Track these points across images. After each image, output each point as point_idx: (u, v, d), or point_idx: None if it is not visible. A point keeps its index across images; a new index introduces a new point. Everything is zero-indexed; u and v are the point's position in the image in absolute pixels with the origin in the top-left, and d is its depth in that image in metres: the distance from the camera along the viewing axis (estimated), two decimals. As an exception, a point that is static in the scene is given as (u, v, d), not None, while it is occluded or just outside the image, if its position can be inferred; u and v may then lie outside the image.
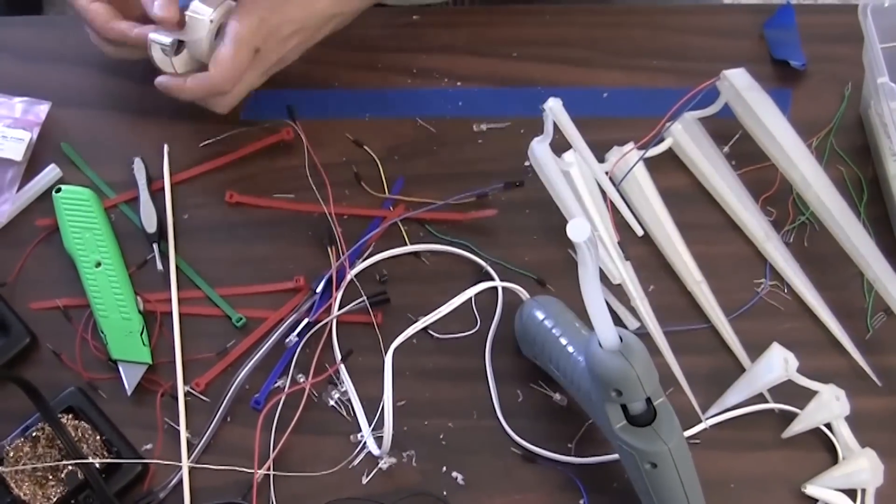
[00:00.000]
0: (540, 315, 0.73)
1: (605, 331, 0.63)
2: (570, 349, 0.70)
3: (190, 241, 0.82)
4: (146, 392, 0.77)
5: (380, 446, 0.72)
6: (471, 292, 0.75)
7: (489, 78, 0.90)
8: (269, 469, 0.73)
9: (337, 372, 0.77)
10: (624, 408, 0.65)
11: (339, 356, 0.76)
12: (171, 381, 0.77)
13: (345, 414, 0.76)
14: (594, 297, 0.62)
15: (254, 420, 0.75)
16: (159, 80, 0.79)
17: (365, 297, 0.79)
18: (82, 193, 0.82)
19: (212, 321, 0.79)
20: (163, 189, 0.84)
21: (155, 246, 0.81)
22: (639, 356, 0.63)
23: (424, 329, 0.77)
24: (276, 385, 0.77)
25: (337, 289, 0.78)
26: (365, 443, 0.74)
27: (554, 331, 0.72)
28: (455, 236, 0.82)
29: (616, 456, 0.72)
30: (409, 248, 0.81)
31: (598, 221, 0.80)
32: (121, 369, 0.77)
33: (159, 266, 0.81)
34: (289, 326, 0.78)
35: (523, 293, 0.78)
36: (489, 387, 0.77)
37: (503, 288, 0.79)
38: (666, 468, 0.65)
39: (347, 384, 0.76)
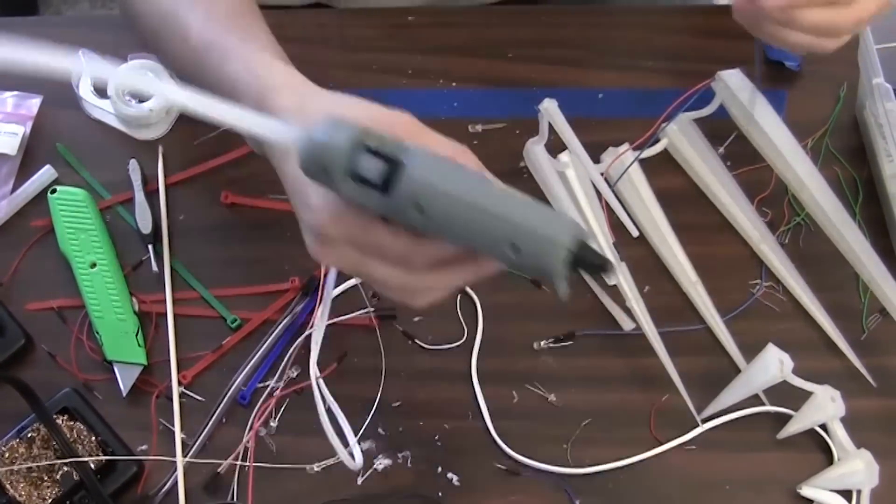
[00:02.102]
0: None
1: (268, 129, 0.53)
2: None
3: (185, 241, 0.82)
4: (141, 393, 0.77)
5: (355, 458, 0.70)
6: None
7: (484, 79, 0.90)
8: (243, 460, 0.73)
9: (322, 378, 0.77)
10: (367, 182, 0.53)
11: (314, 369, 0.72)
12: (166, 382, 0.77)
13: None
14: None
15: (250, 421, 0.75)
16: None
17: (371, 310, 0.79)
18: (77, 194, 0.82)
19: (207, 322, 0.79)
20: (157, 190, 0.84)
21: (150, 247, 0.81)
22: (334, 128, 0.52)
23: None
24: (269, 384, 0.77)
25: (324, 294, 0.78)
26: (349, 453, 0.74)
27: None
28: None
29: (609, 466, 0.73)
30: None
31: (594, 222, 0.80)
32: (116, 370, 0.76)
33: (154, 267, 0.80)
34: (284, 327, 0.78)
35: None
36: (475, 392, 0.77)
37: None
38: (430, 201, 0.53)
39: (327, 397, 0.73)
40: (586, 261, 0.54)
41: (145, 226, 0.82)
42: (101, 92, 0.86)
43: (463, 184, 0.53)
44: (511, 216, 0.53)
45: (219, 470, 0.73)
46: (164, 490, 0.73)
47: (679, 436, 0.75)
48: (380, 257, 0.56)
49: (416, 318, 0.79)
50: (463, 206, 0.53)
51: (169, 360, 0.77)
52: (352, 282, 0.80)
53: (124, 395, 0.76)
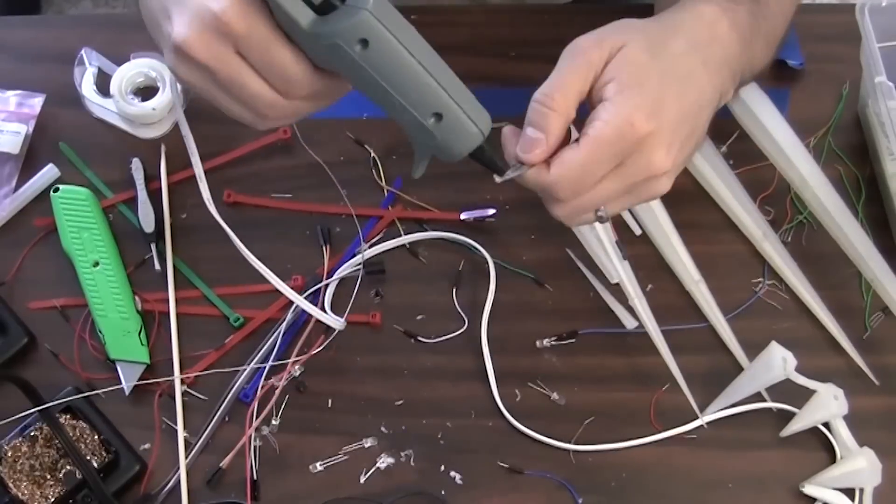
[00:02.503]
0: None
1: None
2: None
3: (188, 240, 0.82)
4: (144, 392, 0.77)
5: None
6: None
7: (488, 78, 0.89)
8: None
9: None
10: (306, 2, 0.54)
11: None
12: (168, 381, 0.77)
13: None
14: None
15: (253, 420, 0.75)
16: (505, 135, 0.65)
17: (362, 266, 0.79)
18: (80, 193, 0.82)
19: (209, 321, 0.79)
20: (160, 189, 0.84)
21: (153, 246, 0.81)
22: None
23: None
24: (272, 382, 0.77)
25: (325, 288, 0.78)
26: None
27: None
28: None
29: (613, 446, 0.73)
30: (400, 240, 0.82)
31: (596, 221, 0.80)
32: (119, 369, 0.77)
33: (157, 266, 0.80)
34: (287, 325, 0.78)
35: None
36: (489, 384, 0.77)
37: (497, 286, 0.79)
38: (379, 39, 0.54)
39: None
40: (485, 155, 0.60)
41: (148, 224, 0.82)
42: (103, 90, 0.86)
43: (417, 40, 0.56)
44: (448, 88, 0.56)
45: (221, 465, 0.74)
46: (166, 488, 0.73)
47: (682, 434, 0.75)
48: (268, 73, 0.57)
49: (419, 317, 0.79)
50: (408, 58, 0.54)
51: (171, 359, 0.77)
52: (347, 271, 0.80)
53: (127, 393, 0.76)
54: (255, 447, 0.74)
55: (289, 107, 0.60)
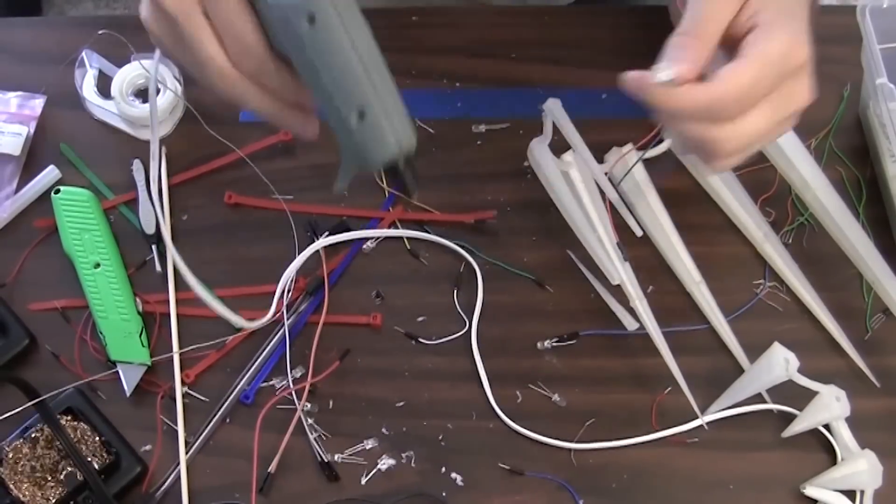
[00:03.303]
0: None
1: None
2: None
3: (189, 242, 0.82)
4: (145, 393, 0.77)
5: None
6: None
7: (488, 79, 0.89)
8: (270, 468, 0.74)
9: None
10: None
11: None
12: (170, 383, 0.77)
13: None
14: None
15: (253, 421, 0.75)
16: (632, 75, 0.63)
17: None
18: (81, 195, 0.82)
19: (210, 322, 0.79)
20: (160, 190, 0.84)
21: (154, 247, 0.81)
22: None
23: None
24: (272, 384, 0.77)
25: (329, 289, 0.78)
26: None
27: None
28: (453, 237, 0.82)
29: (613, 445, 0.73)
30: (384, 232, 0.82)
31: (598, 222, 0.80)
32: (120, 370, 0.76)
33: (158, 267, 0.81)
34: (288, 327, 0.78)
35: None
36: (479, 388, 0.77)
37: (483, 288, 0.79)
38: (326, 18, 0.55)
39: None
40: (398, 172, 0.58)
41: (149, 225, 0.82)
42: (104, 92, 0.86)
43: (362, 29, 0.56)
44: (379, 88, 0.56)
45: (269, 470, 0.74)
46: (167, 489, 0.74)
47: (683, 435, 0.75)
48: (226, 37, 0.60)
49: (420, 319, 0.79)
50: (349, 48, 0.54)
51: (172, 360, 0.77)
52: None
53: (128, 395, 0.76)
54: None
55: (238, 83, 0.62)
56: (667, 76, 0.59)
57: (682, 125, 0.62)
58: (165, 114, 0.85)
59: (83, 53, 0.87)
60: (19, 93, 0.87)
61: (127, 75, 0.86)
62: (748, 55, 0.59)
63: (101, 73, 0.87)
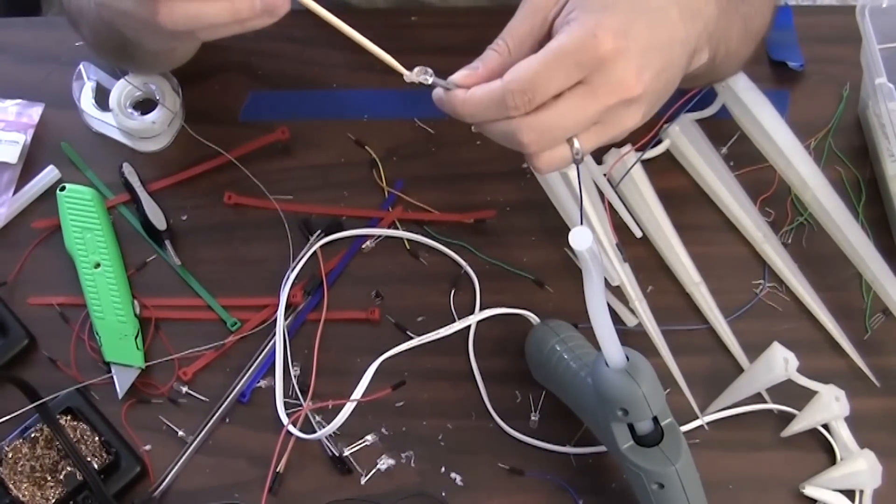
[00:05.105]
0: (550, 339, 0.73)
1: (612, 350, 0.63)
2: (579, 370, 0.69)
3: (187, 242, 0.82)
4: (144, 393, 0.77)
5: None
6: (473, 319, 0.77)
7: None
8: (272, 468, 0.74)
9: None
10: (631, 428, 0.65)
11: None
12: (167, 384, 0.77)
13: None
14: (600, 316, 0.61)
15: (253, 421, 0.75)
16: (437, 95, 0.64)
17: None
18: (86, 193, 0.82)
19: (208, 323, 0.79)
20: (160, 190, 0.84)
21: (168, 242, 0.81)
22: (645, 375, 0.63)
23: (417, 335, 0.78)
24: (273, 384, 0.77)
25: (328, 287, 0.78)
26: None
27: (563, 354, 0.71)
28: (453, 237, 0.82)
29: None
30: (383, 231, 0.82)
31: (597, 223, 0.80)
32: (113, 372, 0.76)
33: (176, 260, 0.81)
34: (287, 327, 0.78)
35: (533, 318, 0.78)
36: (479, 388, 0.77)
37: (480, 290, 0.79)
38: (673, 488, 0.64)
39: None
40: None
41: (160, 222, 0.81)
42: (102, 105, 0.86)
43: (696, 484, 0.66)
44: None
45: (278, 470, 0.74)
46: (166, 489, 0.74)
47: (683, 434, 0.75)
48: None
49: (419, 319, 0.79)
50: (682, 499, 0.65)
51: (171, 361, 0.77)
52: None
53: (120, 396, 0.76)
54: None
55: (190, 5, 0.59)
56: (447, 85, 0.61)
57: (485, 127, 0.61)
58: (164, 126, 0.85)
59: (81, 66, 0.86)
60: (18, 101, 0.86)
61: (125, 87, 0.85)
62: (542, 50, 0.58)
63: (98, 85, 0.86)
